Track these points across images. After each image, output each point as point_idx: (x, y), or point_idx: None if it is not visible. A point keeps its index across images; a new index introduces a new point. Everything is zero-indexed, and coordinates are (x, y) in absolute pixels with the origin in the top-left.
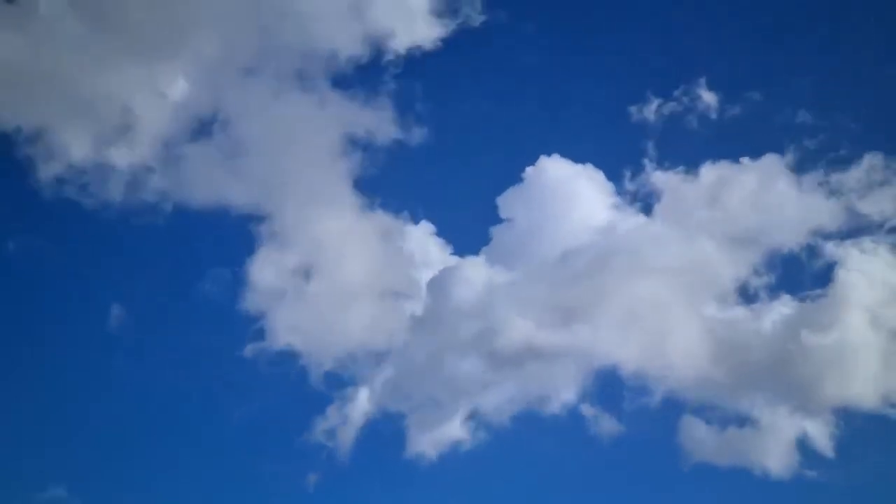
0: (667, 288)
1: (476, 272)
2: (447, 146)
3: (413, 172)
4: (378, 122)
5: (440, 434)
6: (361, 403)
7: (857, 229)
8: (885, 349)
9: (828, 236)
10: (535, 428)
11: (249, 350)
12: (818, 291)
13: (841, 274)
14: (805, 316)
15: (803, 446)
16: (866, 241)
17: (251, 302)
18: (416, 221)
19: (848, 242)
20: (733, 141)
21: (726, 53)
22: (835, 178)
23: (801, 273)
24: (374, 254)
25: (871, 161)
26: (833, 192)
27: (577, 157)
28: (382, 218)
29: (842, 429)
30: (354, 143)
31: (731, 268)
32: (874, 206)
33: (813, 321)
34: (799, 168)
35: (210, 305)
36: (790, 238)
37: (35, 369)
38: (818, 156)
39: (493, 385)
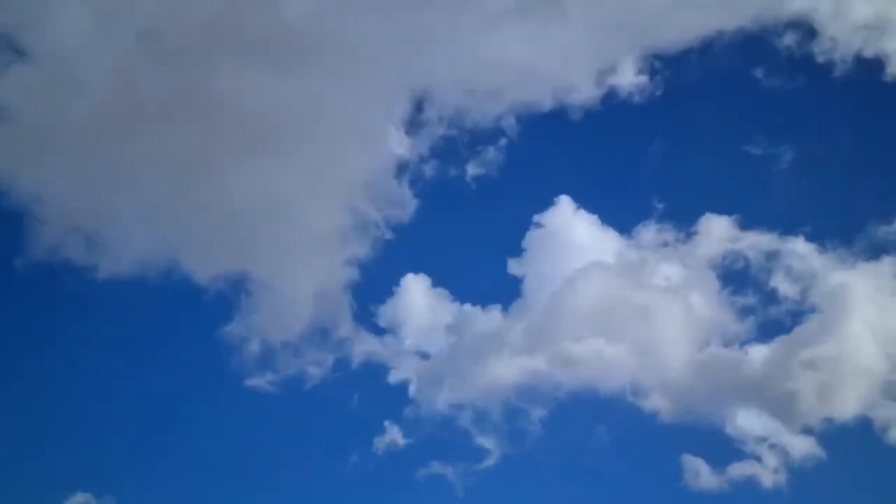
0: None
1: (485, 319)
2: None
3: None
4: None
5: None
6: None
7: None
8: (877, 368)
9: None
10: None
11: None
12: (807, 317)
13: (825, 295)
14: (796, 341)
15: (796, 467)
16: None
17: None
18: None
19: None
20: (733, 194)
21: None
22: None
23: (793, 310)
24: None
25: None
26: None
27: (584, 206)
28: None
29: (834, 449)
30: None
31: (727, 309)
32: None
33: (803, 345)
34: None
35: None
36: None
37: (59, 375)
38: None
39: (502, 421)
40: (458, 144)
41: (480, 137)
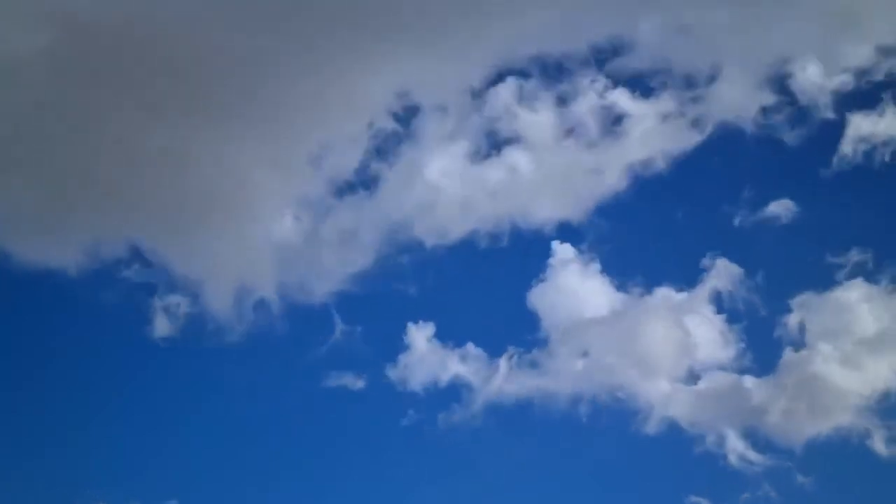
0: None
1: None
2: None
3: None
4: None
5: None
6: None
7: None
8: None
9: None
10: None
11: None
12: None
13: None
14: (791, 367)
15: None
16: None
17: None
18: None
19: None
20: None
21: None
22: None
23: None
24: None
25: None
26: None
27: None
28: None
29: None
30: None
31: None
32: None
33: (799, 372)
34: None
35: None
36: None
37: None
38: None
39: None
40: None
41: None
